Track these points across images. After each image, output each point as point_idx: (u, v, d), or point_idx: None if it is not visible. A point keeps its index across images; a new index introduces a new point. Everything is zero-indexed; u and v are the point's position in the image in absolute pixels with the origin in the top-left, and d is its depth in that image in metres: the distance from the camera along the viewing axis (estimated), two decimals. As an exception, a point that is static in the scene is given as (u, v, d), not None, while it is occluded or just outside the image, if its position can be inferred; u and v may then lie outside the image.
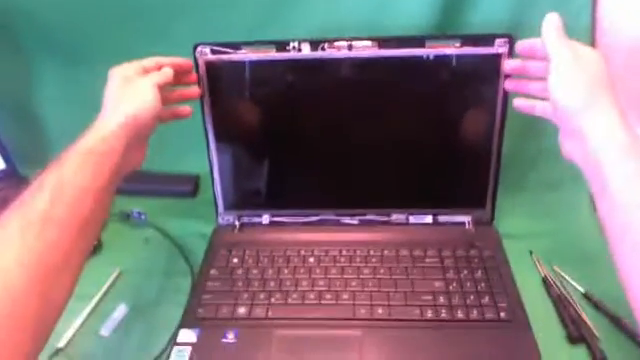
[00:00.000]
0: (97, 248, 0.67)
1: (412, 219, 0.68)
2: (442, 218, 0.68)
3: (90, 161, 0.45)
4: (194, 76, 0.61)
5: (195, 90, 0.61)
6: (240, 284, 0.60)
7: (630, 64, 0.65)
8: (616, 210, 0.42)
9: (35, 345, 0.39)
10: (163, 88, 0.53)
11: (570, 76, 0.45)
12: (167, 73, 0.55)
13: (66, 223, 0.41)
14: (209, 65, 0.62)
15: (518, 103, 0.56)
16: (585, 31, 0.68)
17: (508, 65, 0.57)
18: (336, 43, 0.60)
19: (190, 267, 0.65)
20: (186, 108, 0.60)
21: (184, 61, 0.59)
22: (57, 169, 0.43)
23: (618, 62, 0.66)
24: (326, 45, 0.61)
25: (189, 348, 0.54)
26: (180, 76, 0.58)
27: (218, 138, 0.65)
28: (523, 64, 0.55)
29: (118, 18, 0.73)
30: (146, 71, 0.54)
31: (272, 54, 0.61)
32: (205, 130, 0.65)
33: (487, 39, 0.59)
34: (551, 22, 0.47)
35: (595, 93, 0.44)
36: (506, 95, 0.61)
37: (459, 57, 0.60)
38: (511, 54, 0.59)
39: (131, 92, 0.51)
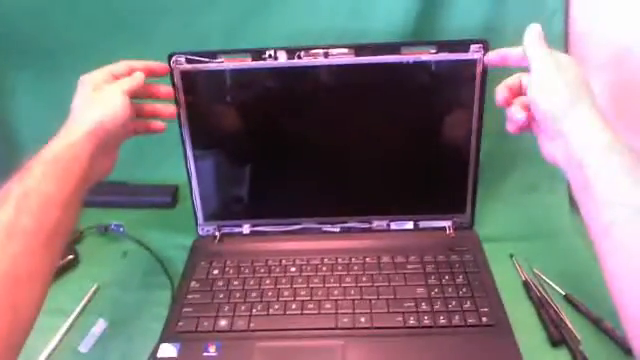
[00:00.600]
0: (74, 262, 0.66)
1: (393, 225, 0.68)
2: (423, 224, 0.68)
3: (55, 169, 0.44)
4: (169, 90, 0.59)
5: (170, 109, 0.59)
6: (221, 296, 0.60)
7: (603, 68, 0.66)
8: (600, 209, 0.42)
9: (7, 356, 0.38)
10: (134, 93, 0.52)
11: (551, 81, 0.46)
12: (137, 78, 0.53)
13: (32, 234, 0.41)
14: (184, 74, 0.61)
15: (489, 56, 0.56)
16: (558, 37, 0.69)
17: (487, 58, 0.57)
18: (312, 51, 0.60)
19: (170, 280, 0.64)
20: (158, 123, 0.59)
21: (158, 65, 0.58)
22: (21, 179, 0.42)
23: (591, 67, 0.68)
24: (302, 53, 0.60)
25: (170, 363, 0.53)
26: (152, 88, 0.57)
27: (195, 148, 0.65)
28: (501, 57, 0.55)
29: (93, 24, 0.72)
30: (116, 77, 0.53)
31: (248, 63, 0.61)
32: (182, 140, 0.64)
33: (462, 45, 0.60)
34: (533, 31, 0.49)
35: (575, 96, 0.45)
36: (482, 99, 0.61)
37: (435, 63, 0.60)
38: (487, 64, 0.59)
39: (98, 99, 0.50)
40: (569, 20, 0.69)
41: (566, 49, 0.70)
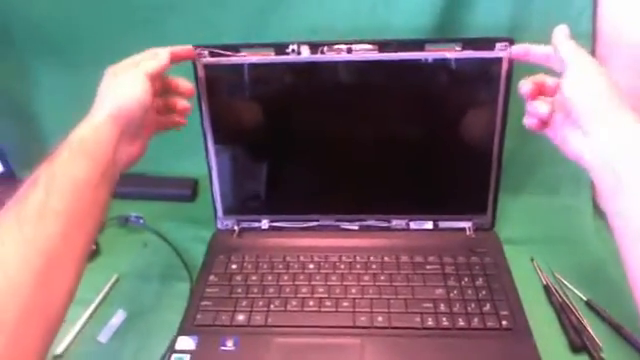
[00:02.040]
0: (95, 253, 0.67)
1: (412, 225, 0.67)
2: (443, 224, 0.67)
3: (81, 152, 0.44)
4: (189, 86, 0.58)
5: (185, 104, 0.58)
6: (239, 290, 0.60)
7: (631, 69, 0.65)
8: (631, 214, 0.41)
9: (44, 339, 0.39)
10: (157, 76, 0.52)
11: (591, 80, 0.45)
12: (160, 59, 0.52)
13: (63, 214, 0.41)
14: (207, 67, 0.61)
15: (514, 50, 0.56)
16: (585, 36, 0.67)
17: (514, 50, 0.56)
18: (335, 46, 0.60)
19: (189, 272, 0.64)
20: (180, 119, 0.59)
21: (183, 49, 0.57)
22: (50, 162, 0.43)
23: (618, 67, 0.66)
24: (325, 48, 0.60)
25: (187, 356, 0.53)
26: (172, 82, 0.56)
27: (216, 141, 0.65)
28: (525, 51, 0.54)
29: (115, 19, 0.72)
30: (137, 65, 0.52)
31: (271, 57, 0.60)
32: (203, 133, 0.65)
33: (488, 42, 0.58)
34: (562, 31, 0.48)
35: (615, 98, 0.44)
36: (507, 99, 0.60)
37: (459, 61, 0.59)
38: (512, 58, 0.58)
39: (119, 83, 0.50)
40: (597, 19, 0.67)
41: (593, 49, 0.68)
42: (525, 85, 0.51)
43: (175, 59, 0.55)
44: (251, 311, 0.57)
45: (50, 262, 0.39)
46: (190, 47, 0.59)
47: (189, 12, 0.71)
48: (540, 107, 0.50)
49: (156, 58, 0.53)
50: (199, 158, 0.66)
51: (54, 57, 0.77)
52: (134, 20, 0.72)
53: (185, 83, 0.57)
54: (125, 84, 0.50)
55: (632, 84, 0.63)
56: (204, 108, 0.63)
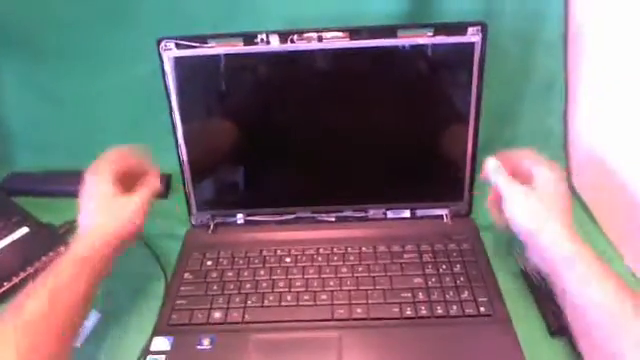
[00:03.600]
0: (65, 254, 0.65)
1: (390, 214, 0.67)
2: (420, 212, 0.67)
3: (81, 267, 0.50)
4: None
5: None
6: (215, 287, 0.59)
7: (602, 46, 0.65)
8: (578, 313, 0.48)
9: None
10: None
11: (520, 203, 0.53)
12: (152, 190, 0.58)
13: (61, 322, 0.46)
14: (174, 60, 0.59)
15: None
16: (557, 13, 0.67)
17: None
18: (305, 35, 0.58)
19: (163, 271, 0.63)
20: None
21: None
22: (53, 275, 0.48)
23: (588, 42, 0.66)
24: (295, 37, 0.58)
25: (163, 357, 0.52)
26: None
27: (187, 136, 0.63)
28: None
29: (79, 8, 0.70)
30: (122, 177, 0.57)
31: (240, 47, 0.59)
32: (173, 128, 0.63)
33: (460, 28, 0.58)
34: (491, 166, 0.56)
35: (544, 212, 0.51)
36: (481, 85, 0.60)
37: (432, 46, 0.59)
38: (484, 42, 0.58)
39: (121, 208, 0.55)
40: (569, 2, 0.67)
41: (566, 31, 0.68)
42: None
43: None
44: (227, 308, 0.56)
45: None
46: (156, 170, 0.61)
47: (159, 3, 0.69)
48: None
49: (150, 186, 0.58)
50: (172, 152, 0.65)
51: (17, 50, 0.74)
52: (101, 10, 0.70)
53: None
54: (129, 211, 0.55)
55: (603, 61, 0.64)
56: (173, 102, 0.61)
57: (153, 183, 0.59)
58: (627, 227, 0.62)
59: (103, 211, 0.54)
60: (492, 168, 0.56)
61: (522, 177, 0.55)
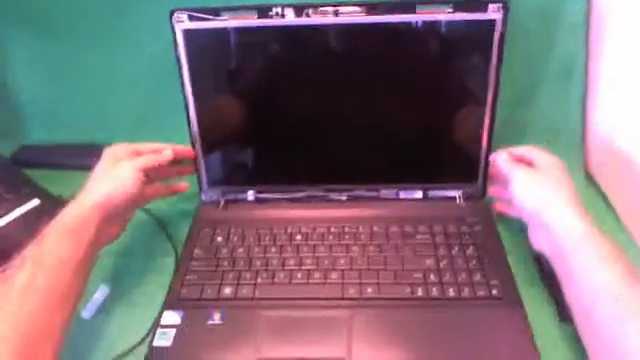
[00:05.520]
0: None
1: (402, 194, 0.66)
2: (432, 193, 0.66)
3: (67, 235, 0.49)
4: (186, 185, 0.65)
5: (183, 185, 0.65)
6: (225, 264, 0.59)
7: (625, 30, 0.63)
8: (581, 294, 0.47)
9: None
10: (148, 171, 0.57)
11: (528, 185, 0.54)
12: (163, 157, 0.59)
13: (46, 293, 0.45)
14: (187, 33, 0.58)
15: (497, 207, 0.65)
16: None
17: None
18: (321, 8, 0.57)
19: (173, 246, 0.63)
20: (182, 184, 0.65)
21: (185, 150, 0.63)
22: (37, 244, 0.48)
23: (611, 24, 0.64)
24: (311, 11, 0.57)
25: (173, 330, 0.52)
26: (172, 172, 0.64)
27: (199, 111, 0.62)
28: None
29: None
30: (138, 154, 0.57)
31: (253, 20, 0.58)
32: (185, 103, 0.62)
33: (480, 4, 0.56)
34: (499, 157, 0.58)
35: (553, 193, 0.52)
36: (500, 64, 0.59)
37: (451, 23, 0.57)
38: (505, 20, 0.56)
39: (111, 174, 0.55)
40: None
41: (589, 12, 0.66)
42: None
43: (176, 157, 0.60)
44: (238, 284, 0.56)
45: (31, 342, 0.42)
46: (189, 149, 0.63)
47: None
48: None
49: (158, 154, 0.59)
50: (182, 128, 0.64)
51: (31, 26, 0.74)
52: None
53: (187, 151, 0.63)
54: (118, 175, 0.54)
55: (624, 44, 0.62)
56: (185, 76, 0.60)
57: (164, 154, 0.59)
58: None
59: (92, 180, 0.54)
60: (501, 158, 0.58)
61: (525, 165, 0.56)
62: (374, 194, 0.66)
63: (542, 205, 0.52)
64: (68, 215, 0.51)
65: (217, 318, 0.53)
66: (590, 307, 0.45)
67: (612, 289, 0.44)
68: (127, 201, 0.54)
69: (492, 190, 0.65)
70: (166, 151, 0.59)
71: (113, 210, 0.53)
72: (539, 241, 0.54)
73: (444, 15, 0.57)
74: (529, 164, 0.56)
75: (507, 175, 0.56)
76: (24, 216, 0.66)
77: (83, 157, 0.76)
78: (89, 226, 0.50)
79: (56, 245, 0.48)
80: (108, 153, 0.56)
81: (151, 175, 0.58)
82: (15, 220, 0.65)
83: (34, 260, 0.46)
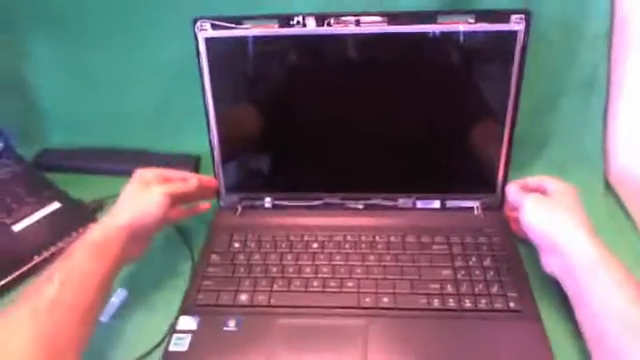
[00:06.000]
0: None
1: (419, 204, 0.66)
2: (450, 203, 0.65)
3: (94, 253, 0.50)
4: (208, 205, 0.66)
5: (205, 206, 0.66)
6: (242, 270, 0.59)
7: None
8: (593, 319, 0.47)
9: None
10: (176, 197, 0.59)
11: (539, 209, 0.54)
12: (188, 185, 0.60)
13: (73, 306, 0.46)
14: (209, 41, 0.59)
15: (513, 228, 0.63)
16: (602, 7, 0.64)
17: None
18: (343, 18, 0.57)
19: (191, 251, 0.63)
20: (204, 205, 0.65)
21: (210, 180, 0.65)
22: (66, 260, 0.49)
23: (634, 37, 0.64)
24: (332, 20, 0.57)
25: (189, 336, 0.52)
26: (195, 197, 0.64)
27: (219, 118, 0.63)
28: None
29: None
30: (166, 180, 0.59)
31: (275, 29, 0.58)
32: (205, 110, 0.63)
33: (503, 15, 0.56)
34: (510, 190, 0.59)
35: (564, 217, 0.52)
36: (521, 75, 0.58)
37: (473, 34, 0.57)
38: (528, 32, 0.56)
39: (139, 197, 0.56)
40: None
41: (611, 25, 0.65)
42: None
43: (201, 186, 0.62)
44: (254, 291, 0.56)
45: (51, 353, 0.43)
46: (213, 180, 0.66)
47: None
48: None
49: (185, 183, 0.60)
50: (201, 134, 0.64)
51: (52, 29, 0.75)
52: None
53: (211, 182, 0.65)
54: (148, 200, 0.56)
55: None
56: (206, 83, 0.61)
57: (190, 183, 0.60)
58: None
59: (122, 198, 0.57)
60: (512, 190, 0.58)
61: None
62: (391, 203, 0.66)
63: (552, 228, 0.52)
64: (97, 233, 0.52)
65: (232, 324, 0.53)
66: (602, 331, 0.45)
67: (624, 314, 0.44)
68: (154, 223, 0.56)
69: (509, 212, 0.64)
70: (192, 180, 0.61)
71: (139, 231, 0.55)
72: (550, 264, 0.54)
73: (466, 25, 0.57)
74: (543, 193, 0.57)
75: (518, 204, 0.57)
76: (45, 219, 0.67)
77: (103, 161, 0.78)
78: (116, 245, 0.52)
79: (84, 261, 0.49)
80: (139, 176, 0.58)
81: (177, 201, 0.59)
82: (36, 223, 0.66)
83: (62, 275, 0.47)
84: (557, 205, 0.54)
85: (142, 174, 0.59)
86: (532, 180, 0.59)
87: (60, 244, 0.63)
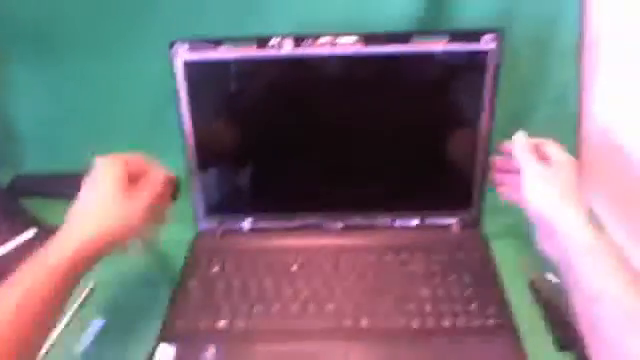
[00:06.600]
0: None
1: (398, 222, 0.66)
2: (428, 221, 0.66)
3: (51, 276, 0.45)
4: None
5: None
6: (221, 294, 0.58)
7: (617, 57, 0.64)
8: (588, 303, 0.46)
9: None
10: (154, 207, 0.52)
11: (539, 186, 0.51)
12: (160, 191, 0.54)
13: (27, 332, 0.43)
14: (187, 63, 0.59)
15: (503, 191, 0.60)
16: (572, 22, 0.66)
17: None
18: (319, 39, 0.58)
19: (169, 277, 0.62)
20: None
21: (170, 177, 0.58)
22: (19, 280, 0.45)
23: (603, 51, 0.65)
24: (309, 42, 0.58)
25: (168, 364, 0.52)
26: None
27: (197, 140, 0.62)
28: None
29: (89, 11, 0.69)
30: (136, 177, 0.52)
31: (253, 51, 0.58)
32: (182, 131, 0.62)
33: (475, 35, 0.57)
34: (519, 141, 0.55)
35: (563, 198, 0.50)
36: (495, 93, 0.59)
37: (447, 53, 0.58)
38: (500, 50, 0.57)
39: (115, 207, 0.49)
40: (585, 8, 0.66)
41: (581, 39, 0.67)
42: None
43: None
44: (233, 316, 0.56)
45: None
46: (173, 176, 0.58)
47: (168, 6, 0.68)
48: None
49: (156, 189, 0.53)
50: (180, 155, 0.64)
51: (27, 49, 0.74)
52: (113, 9, 0.69)
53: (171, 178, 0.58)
54: (125, 212, 0.49)
55: (617, 70, 0.63)
56: (183, 106, 0.61)
57: (155, 183, 0.54)
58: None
59: (90, 206, 0.49)
60: (520, 143, 0.55)
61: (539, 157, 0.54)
62: (370, 222, 0.66)
63: (553, 212, 0.50)
64: (55, 253, 0.46)
65: (212, 351, 0.52)
66: (597, 318, 0.45)
67: (618, 300, 0.44)
68: (131, 238, 0.51)
69: (498, 176, 0.60)
70: (160, 176, 0.55)
71: (115, 247, 0.50)
72: (548, 246, 0.52)
73: (440, 45, 0.57)
74: (543, 157, 0.54)
75: (520, 164, 0.53)
76: (21, 246, 0.66)
77: (78, 186, 0.77)
78: (77, 265, 0.47)
79: (39, 285, 0.45)
80: (109, 173, 0.51)
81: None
82: (12, 250, 0.65)
83: (15, 298, 0.43)
84: (558, 181, 0.51)
85: (113, 171, 0.50)
86: (535, 140, 0.56)
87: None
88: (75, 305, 0.59)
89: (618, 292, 0.44)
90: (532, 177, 0.52)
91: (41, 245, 0.61)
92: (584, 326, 0.46)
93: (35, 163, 0.80)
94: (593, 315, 0.45)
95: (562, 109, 0.71)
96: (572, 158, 0.53)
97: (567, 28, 0.67)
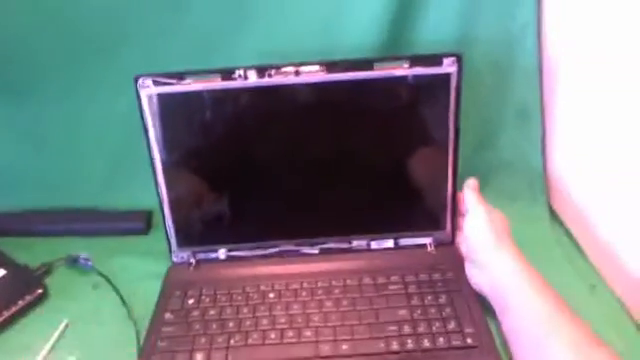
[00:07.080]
0: (43, 296, 0.63)
1: (373, 244, 0.66)
2: (403, 241, 0.66)
3: None
4: None
5: None
6: (197, 327, 0.57)
7: (576, 76, 0.66)
8: (513, 320, 0.52)
9: None
10: None
11: (481, 223, 0.58)
12: None
13: None
14: (151, 97, 0.59)
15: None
16: (530, 48, 0.68)
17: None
18: (283, 69, 0.59)
19: (144, 312, 0.61)
20: None
21: None
22: None
23: (564, 75, 0.68)
24: (273, 72, 0.59)
25: (143, 403, 0.50)
26: None
27: (166, 172, 0.62)
28: None
29: (54, 50, 0.69)
30: None
31: (218, 83, 0.59)
32: (152, 165, 0.62)
33: (435, 59, 0.59)
34: (470, 186, 0.62)
35: (499, 238, 0.57)
36: (458, 113, 0.61)
37: (408, 78, 0.59)
38: (460, 73, 0.59)
39: None
40: (541, 32, 0.68)
41: (540, 60, 0.69)
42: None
43: None
44: (210, 349, 0.55)
45: None
46: None
47: (136, 40, 0.69)
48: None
49: None
50: (153, 188, 0.64)
51: (3, 92, 0.73)
52: (77, 48, 0.69)
53: None
54: None
55: (577, 91, 0.66)
56: (151, 139, 0.61)
57: None
58: (608, 249, 0.62)
59: None
60: (473, 186, 0.62)
61: None
62: (346, 245, 0.66)
63: (489, 244, 0.57)
64: None
65: (189, 386, 0.51)
66: (519, 328, 0.51)
67: (539, 312, 0.50)
68: None
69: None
70: None
71: None
72: (479, 279, 0.58)
73: (401, 70, 0.59)
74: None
75: (467, 204, 0.61)
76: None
77: (50, 222, 0.76)
78: None
79: None
80: None
81: None
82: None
83: None
84: (499, 224, 0.58)
85: None
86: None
87: (6, 313, 0.60)
88: (49, 344, 0.57)
89: (538, 306, 0.50)
90: (476, 217, 0.59)
91: (12, 285, 0.60)
92: (510, 341, 0.52)
93: (2, 201, 0.78)
94: (517, 328, 0.51)
95: (526, 128, 0.73)
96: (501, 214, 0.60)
97: (525, 51, 0.69)
